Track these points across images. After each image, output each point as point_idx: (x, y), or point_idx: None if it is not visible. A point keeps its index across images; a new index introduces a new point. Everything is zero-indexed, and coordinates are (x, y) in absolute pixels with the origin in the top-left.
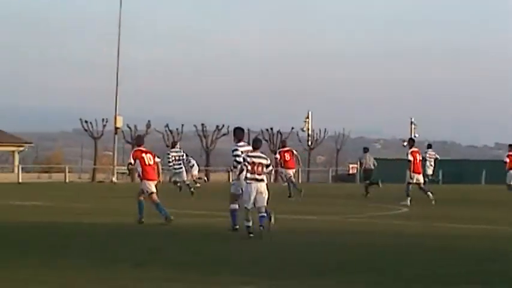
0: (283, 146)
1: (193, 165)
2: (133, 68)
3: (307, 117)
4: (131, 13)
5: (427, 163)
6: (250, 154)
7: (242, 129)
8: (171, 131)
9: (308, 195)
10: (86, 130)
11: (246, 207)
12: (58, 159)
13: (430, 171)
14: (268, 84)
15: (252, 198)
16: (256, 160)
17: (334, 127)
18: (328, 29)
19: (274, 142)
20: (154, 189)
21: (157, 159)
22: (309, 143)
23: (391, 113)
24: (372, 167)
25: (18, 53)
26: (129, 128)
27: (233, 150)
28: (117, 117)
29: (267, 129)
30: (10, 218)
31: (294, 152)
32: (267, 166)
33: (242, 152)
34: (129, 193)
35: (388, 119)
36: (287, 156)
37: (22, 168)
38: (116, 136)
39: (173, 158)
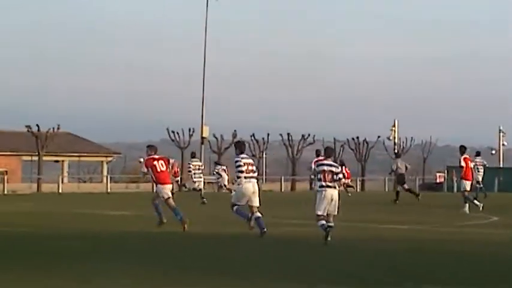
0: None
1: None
2: (220, 77)
3: (394, 126)
4: (217, 21)
5: (477, 171)
6: (321, 162)
7: (243, 142)
8: (257, 141)
9: (395, 204)
10: (172, 140)
11: (318, 214)
12: None
13: (480, 178)
14: (354, 93)
15: (325, 205)
16: (326, 168)
17: (421, 135)
18: (413, 36)
19: (361, 151)
20: (170, 194)
21: (171, 161)
22: (396, 151)
23: (479, 121)
24: (404, 172)
25: (107, 64)
26: (215, 137)
27: (236, 161)
28: (204, 127)
29: (353, 138)
30: (101, 227)
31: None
32: (337, 174)
33: (244, 164)
34: (215, 202)
35: (475, 127)
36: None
37: (110, 178)
38: (203, 146)
39: (193, 167)
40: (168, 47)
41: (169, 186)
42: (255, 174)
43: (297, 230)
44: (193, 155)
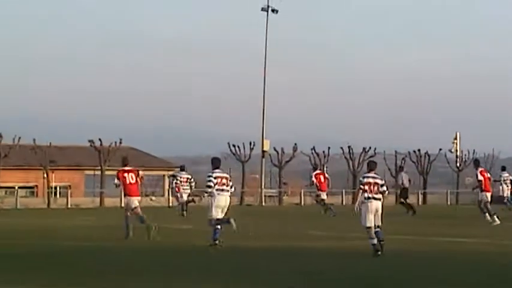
0: (315, 169)
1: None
2: (280, 90)
3: (455, 138)
4: (277, 35)
5: (504, 185)
6: (366, 175)
7: (219, 159)
8: (317, 154)
9: (458, 217)
10: (233, 154)
11: (367, 227)
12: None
13: (506, 193)
14: (415, 105)
15: (372, 216)
16: (371, 180)
17: (483, 148)
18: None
19: (422, 164)
20: (137, 204)
21: (141, 173)
22: (458, 164)
23: None
24: (407, 186)
25: (167, 79)
26: (276, 151)
27: (208, 176)
28: (265, 141)
29: (414, 151)
30: (169, 241)
31: (326, 175)
32: (382, 186)
33: (215, 178)
34: (277, 216)
35: None
36: (322, 178)
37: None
38: (263, 159)
39: (184, 180)
40: (229, 60)
41: (138, 198)
42: (228, 188)
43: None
44: (182, 168)
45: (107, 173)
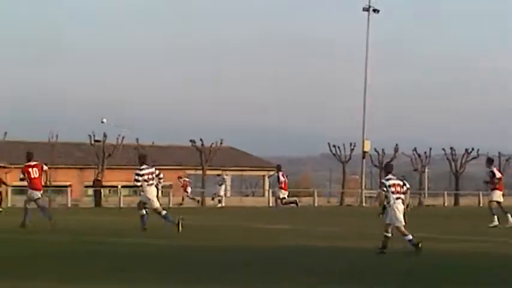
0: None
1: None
2: (382, 91)
3: None
4: (379, 37)
5: None
6: (387, 177)
7: (145, 155)
8: (419, 155)
9: None
10: (334, 154)
11: (398, 226)
12: (306, 183)
13: None
14: None
15: (401, 215)
16: (395, 182)
17: None
18: None
19: None
20: (39, 196)
21: (45, 168)
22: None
23: None
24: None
25: (269, 79)
26: (377, 152)
27: (135, 173)
28: (365, 142)
29: None
30: (261, 241)
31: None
32: (402, 186)
33: (144, 174)
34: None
35: None
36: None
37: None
38: (364, 160)
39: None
40: (330, 60)
41: (39, 192)
42: (154, 182)
43: (465, 246)
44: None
45: (207, 172)
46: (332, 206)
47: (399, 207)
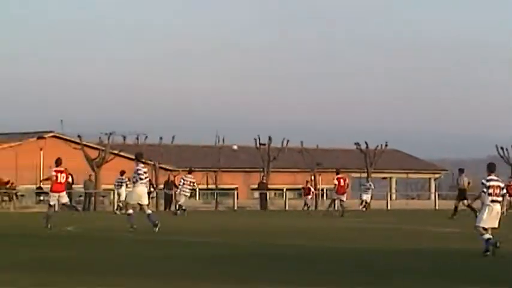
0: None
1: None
2: None
3: None
4: None
5: None
6: (490, 178)
7: (142, 153)
8: None
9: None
10: (501, 157)
11: (484, 228)
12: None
13: None
14: None
15: (491, 218)
16: (495, 183)
17: None
18: None
19: None
20: (57, 198)
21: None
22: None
23: None
24: (466, 187)
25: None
26: None
27: (137, 170)
28: None
29: None
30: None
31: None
32: (502, 189)
33: (144, 172)
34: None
35: None
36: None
37: (438, 195)
38: None
39: (187, 182)
40: (495, 61)
41: (58, 194)
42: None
43: None
44: (189, 171)
45: (373, 175)
46: None
47: (493, 209)
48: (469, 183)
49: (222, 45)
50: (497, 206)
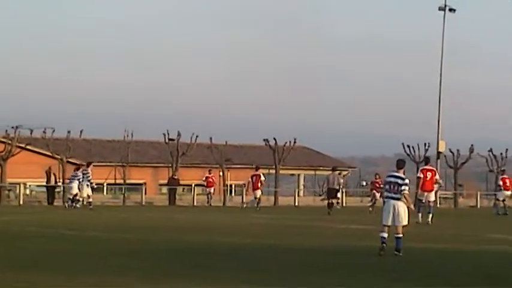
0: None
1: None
2: (457, 92)
3: None
4: (454, 35)
5: None
6: (389, 174)
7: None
8: (494, 156)
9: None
10: (408, 155)
11: (383, 224)
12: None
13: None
14: None
15: (388, 215)
16: (393, 180)
17: None
18: None
19: None
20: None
21: None
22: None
23: None
24: (337, 187)
25: (338, 79)
26: (452, 152)
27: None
28: (440, 142)
29: None
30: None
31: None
32: (401, 185)
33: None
34: (453, 217)
35: None
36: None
37: (345, 192)
38: (438, 161)
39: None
40: (406, 60)
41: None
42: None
43: None
44: (88, 164)
45: (281, 172)
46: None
47: (390, 206)
48: (339, 184)
49: (131, 41)
50: (392, 202)
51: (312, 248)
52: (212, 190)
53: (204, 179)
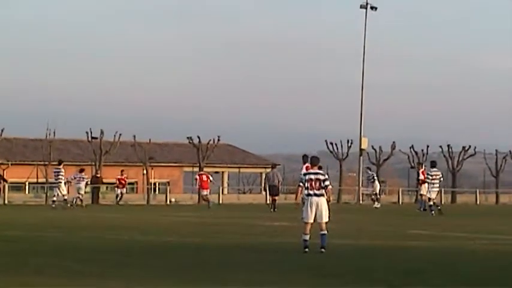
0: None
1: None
2: (379, 90)
3: None
4: (376, 33)
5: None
6: (308, 171)
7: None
8: (416, 152)
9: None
10: (331, 152)
11: (305, 222)
12: None
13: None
14: None
15: (311, 212)
16: (313, 177)
17: None
18: None
19: None
20: None
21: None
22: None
23: None
24: (276, 184)
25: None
26: (374, 149)
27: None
28: (363, 139)
29: None
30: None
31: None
32: (324, 181)
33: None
34: (375, 214)
35: None
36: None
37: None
38: (361, 158)
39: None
40: (327, 58)
41: None
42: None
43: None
44: (59, 163)
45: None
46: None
47: (312, 203)
48: (279, 180)
49: (59, 39)
50: (317, 199)
51: (236, 245)
52: (124, 191)
53: (115, 179)
